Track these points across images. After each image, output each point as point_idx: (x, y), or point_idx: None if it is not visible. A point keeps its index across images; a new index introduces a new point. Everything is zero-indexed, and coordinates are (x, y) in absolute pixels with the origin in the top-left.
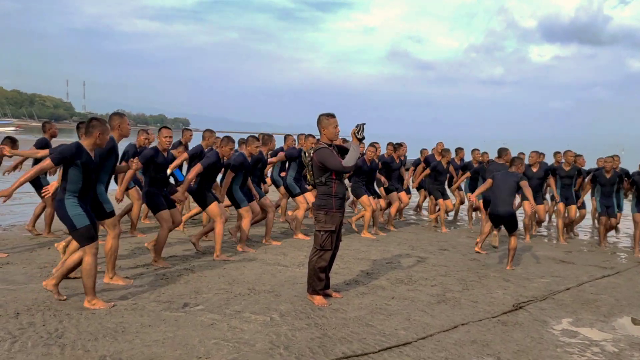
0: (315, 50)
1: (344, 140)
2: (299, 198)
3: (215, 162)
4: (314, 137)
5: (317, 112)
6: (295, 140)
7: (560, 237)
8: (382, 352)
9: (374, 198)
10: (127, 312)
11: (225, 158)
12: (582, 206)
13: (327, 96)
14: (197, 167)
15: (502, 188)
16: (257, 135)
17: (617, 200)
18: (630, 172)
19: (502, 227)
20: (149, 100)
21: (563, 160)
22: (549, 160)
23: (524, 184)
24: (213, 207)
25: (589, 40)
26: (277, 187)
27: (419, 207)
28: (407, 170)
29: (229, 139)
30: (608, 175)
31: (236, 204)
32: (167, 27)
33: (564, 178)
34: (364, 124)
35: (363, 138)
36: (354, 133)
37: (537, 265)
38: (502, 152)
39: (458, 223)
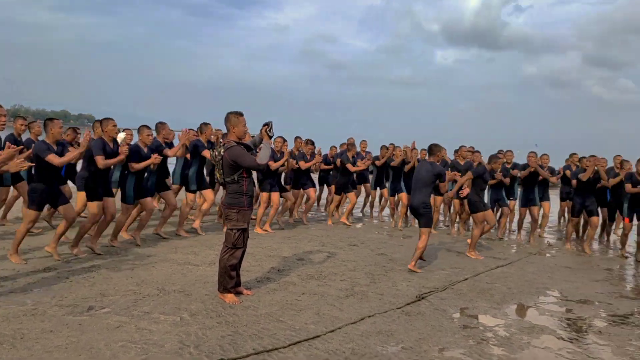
0: (230, 47)
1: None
2: (191, 196)
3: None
4: (306, 140)
5: (231, 109)
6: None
7: (457, 228)
8: (292, 346)
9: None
10: (26, 318)
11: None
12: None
13: (241, 93)
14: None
15: (415, 179)
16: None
17: (539, 192)
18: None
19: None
20: (51, 96)
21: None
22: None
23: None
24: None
25: (488, 45)
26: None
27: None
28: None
29: (144, 127)
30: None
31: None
32: (73, 19)
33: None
34: (272, 121)
35: (273, 135)
36: (266, 131)
37: (438, 257)
38: (430, 148)
39: (374, 219)
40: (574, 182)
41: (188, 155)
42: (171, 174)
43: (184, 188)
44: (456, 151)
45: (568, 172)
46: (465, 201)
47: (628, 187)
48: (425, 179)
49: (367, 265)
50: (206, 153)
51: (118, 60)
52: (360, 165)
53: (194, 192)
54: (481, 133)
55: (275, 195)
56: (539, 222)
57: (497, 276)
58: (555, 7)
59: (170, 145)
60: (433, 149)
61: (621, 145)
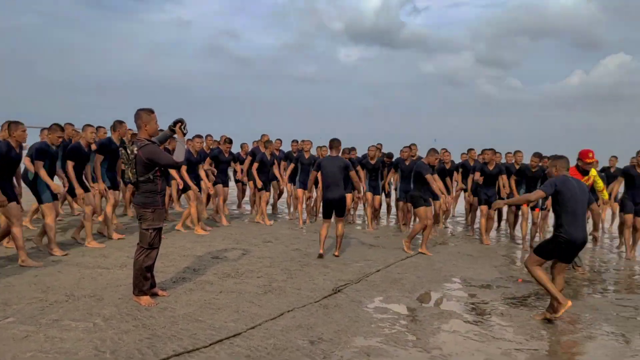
0: (129, 42)
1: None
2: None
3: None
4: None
5: (132, 106)
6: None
7: (370, 225)
8: (213, 345)
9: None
10: None
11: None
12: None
13: (143, 90)
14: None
15: (331, 173)
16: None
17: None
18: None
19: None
20: None
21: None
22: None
23: (352, 174)
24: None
25: (389, 44)
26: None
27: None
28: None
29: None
30: (407, 163)
31: (38, 198)
32: None
33: (370, 170)
34: (183, 119)
35: (187, 133)
36: (180, 128)
37: (352, 250)
38: (333, 142)
39: (278, 215)
40: (477, 175)
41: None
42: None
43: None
44: (465, 153)
45: (477, 175)
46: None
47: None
48: (337, 173)
49: (283, 261)
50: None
51: (3, 52)
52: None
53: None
54: (383, 129)
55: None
56: (442, 216)
57: (407, 266)
58: (450, 9)
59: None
60: (333, 144)
61: (509, 139)
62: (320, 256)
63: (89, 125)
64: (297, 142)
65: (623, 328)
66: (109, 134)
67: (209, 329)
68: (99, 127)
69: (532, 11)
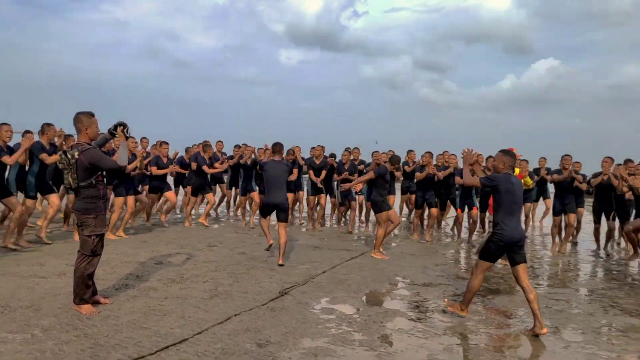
0: (65, 42)
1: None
2: (30, 202)
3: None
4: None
5: (70, 109)
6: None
7: (314, 225)
8: (159, 352)
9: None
10: None
11: None
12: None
13: (81, 92)
14: None
15: (273, 177)
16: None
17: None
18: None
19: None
20: None
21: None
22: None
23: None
24: None
25: (330, 47)
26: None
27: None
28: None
29: None
30: (347, 167)
31: None
32: None
33: (315, 170)
34: (124, 122)
35: (129, 136)
36: (123, 131)
37: (298, 253)
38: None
39: (220, 220)
40: (418, 175)
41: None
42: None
43: (22, 194)
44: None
45: (407, 168)
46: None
47: (457, 179)
48: (280, 177)
49: (228, 264)
50: (45, 157)
51: None
52: (218, 167)
53: (33, 198)
54: (326, 131)
55: (130, 200)
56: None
57: (352, 267)
58: (389, 13)
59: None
60: (276, 148)
61: (448, 140)
62: (270, 247)
63: (4, 124)
64: (238, 146)
65: (555, 321)
66: (36, 138)
67: (154, 335)
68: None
69: (467, 17)
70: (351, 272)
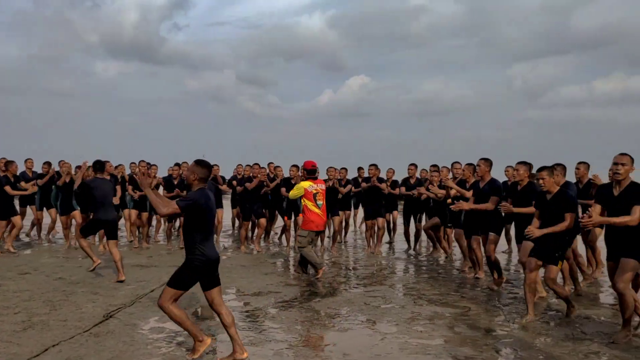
0: None
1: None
2: None
3: None
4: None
5: None
6: None
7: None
8: None
9: None
10: None
11: None
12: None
13: None
14: None
15: (102, 195)
16: None
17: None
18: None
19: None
20: None
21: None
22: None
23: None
24: None
25: (150, 59)
26: None
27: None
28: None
29: None
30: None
31: None
32: None
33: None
34: None
35: None
36: None
37: (124, 273)
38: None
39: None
40: (239, 188)
41: None
42: None
43: None
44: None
45: (235, 182)
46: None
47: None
48: (109, 194)
49: (44, 292)
50: None
51: None
52: (26, 187)
53: None
54: (149, 146)
55: None
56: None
57: None
58: (211, 27)
59: None
60: (99, 165)
61: (273, 153)
62: (95, 268)
63: None
64: (49, 164)
65: (373, 316)
66: None
67: None
68: None
69: (285, 34)
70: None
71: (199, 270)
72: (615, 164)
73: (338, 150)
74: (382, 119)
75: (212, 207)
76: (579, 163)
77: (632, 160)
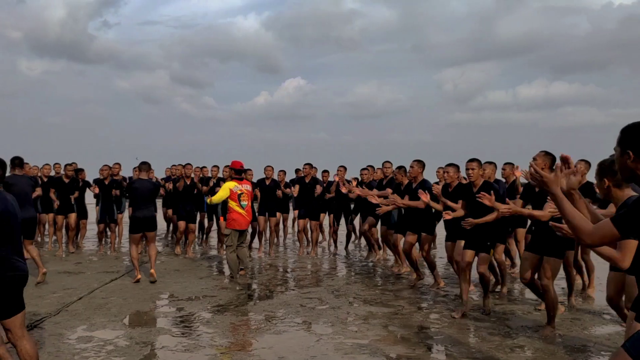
0: None
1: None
2: None
3: None
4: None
5: None
6: None
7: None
8: None
9: None
10: None
11: None
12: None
13: None
14: None
15: (24, 192)
16: None
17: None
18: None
19: None
20: None
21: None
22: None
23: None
24: None
25: (78, 58)
26: None
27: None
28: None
29: None
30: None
31: None
32: None
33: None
34: None
35: None
36: None
37: (48, 281)
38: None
39: None
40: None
41: None
42: None
43: None
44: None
45: (169, 185)
46: None
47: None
48: (30, 192)
49: None
50: None
51: None
52: None
53: None
54: (77, 148)
55: None
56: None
57: (112, 290)
58: (143, 26)
59: None
60: (17, 162)
61: (209, 154)
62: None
63: None
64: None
65: (309, 317)
66: None
67: None
68: None
69: (220, 35)
70: (111, 295)
71: (13, 285)
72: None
73: (276, 153)
74: (318, 121)
75: (12, 213)
76: (505, 164)
77: (552, 157)
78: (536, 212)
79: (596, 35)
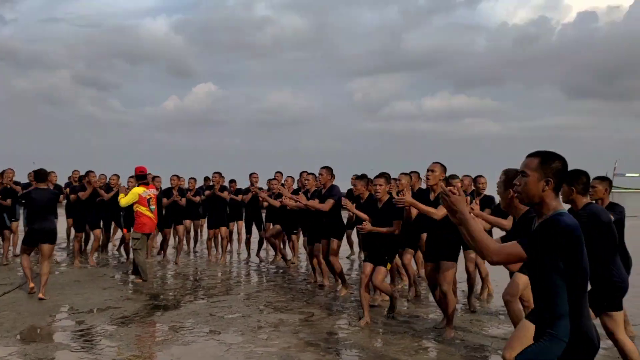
0: None
1: None
2: None
3: None
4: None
5: None
6: None
7: None
8: None
9: None
10: None
11: None
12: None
13: None
14: None
15: None
16: None
17: None
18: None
19: None
20: None
21: None
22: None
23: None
24: None
25: None
26: None
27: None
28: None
29: None
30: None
31: None
32: None
33: None
34: None
35: None
36: None
37: None
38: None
39: None
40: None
41: None
42: None
43: None
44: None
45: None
46: None
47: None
48: None
49: None
50: None
51: None
52: None
53: None
54: None
55: None
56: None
57: (4, 303)
58: (45, 24)
59: None
60: None
61: (115, 159)
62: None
63: None
64: None
65: (219, 327)
66: None
67: None
68: None
69: (127, 36)
70: (3, 309)
71: None
72: (428, 170)
73: (186, 158)
74: (232, 128)
75: None
76: (411, 172)
77: (444, 168)
78: (431, 210)
79: (494, 53)
